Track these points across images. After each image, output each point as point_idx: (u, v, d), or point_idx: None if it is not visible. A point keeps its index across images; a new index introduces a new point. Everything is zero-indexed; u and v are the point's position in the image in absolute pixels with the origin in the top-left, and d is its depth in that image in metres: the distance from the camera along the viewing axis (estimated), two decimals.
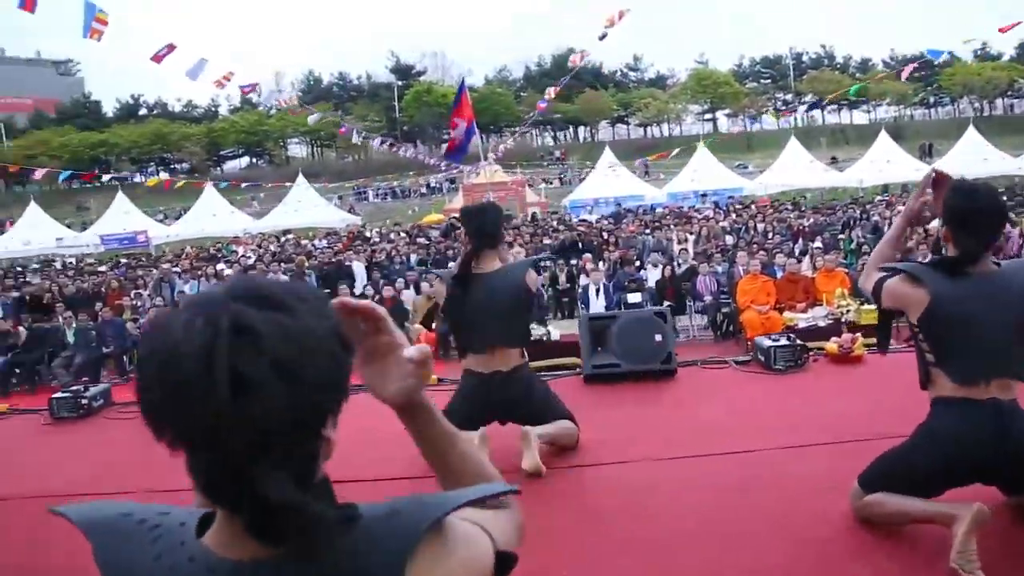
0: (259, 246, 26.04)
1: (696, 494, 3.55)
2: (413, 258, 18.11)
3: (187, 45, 18.88)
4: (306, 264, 17.61)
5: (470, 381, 4.17)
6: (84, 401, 6.19)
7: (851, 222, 19.09)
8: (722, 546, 3.06)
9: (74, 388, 6.66)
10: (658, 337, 5.48)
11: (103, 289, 17.03)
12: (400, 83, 75.58)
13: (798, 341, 5.53)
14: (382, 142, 50.73)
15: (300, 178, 43.41)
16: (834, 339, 5.83)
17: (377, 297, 13.48)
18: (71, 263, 30.96)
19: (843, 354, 5.58)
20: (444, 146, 39.23)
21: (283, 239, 29.00)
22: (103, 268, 23.25)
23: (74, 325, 14.38)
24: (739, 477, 3.66)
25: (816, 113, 69.55)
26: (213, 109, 76.47)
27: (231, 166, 77.22)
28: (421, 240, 22.00)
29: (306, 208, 40.12)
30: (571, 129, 78.03)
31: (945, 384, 2.93)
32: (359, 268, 17.10)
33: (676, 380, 5.46)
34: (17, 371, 13.88)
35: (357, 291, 15.63)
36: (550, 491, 3.75)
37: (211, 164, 73.43)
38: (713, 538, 3.13)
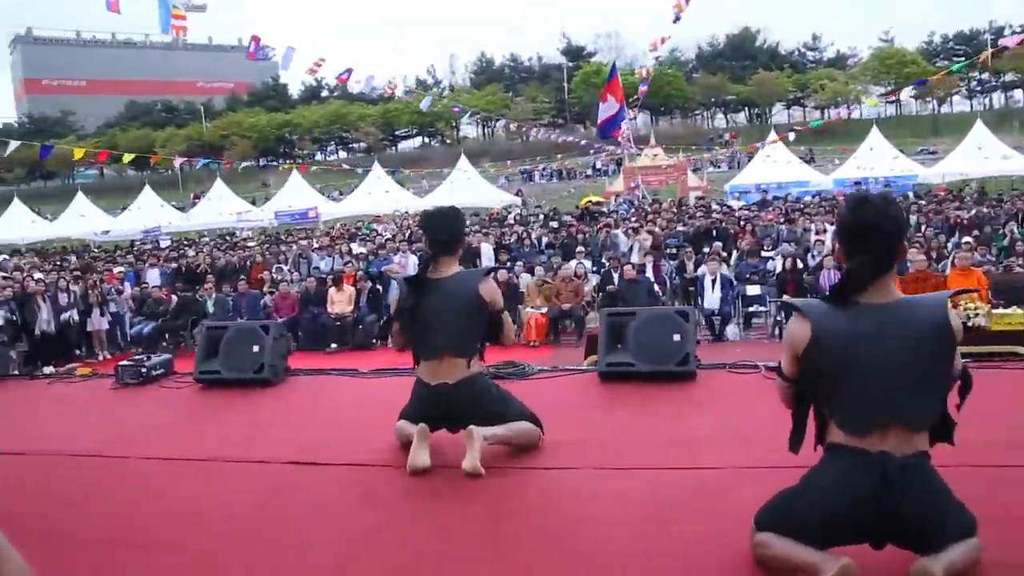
0: (398, 225, 26.76)
1: (629, 509, 3.31)
2: (543, 241, 18.08)
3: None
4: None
5: (418, 391, 4.06)
6: (144, 369, 6.58)
7: (1019, 216, 17.36)
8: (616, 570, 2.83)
9: (138, 357, 7.09)
10: (676, 337, 5.15)
11: (248, 263, 18.06)
12: (570, 64, 75.56)
13: None
14: (547, 124, 50.97)
15: (463, 159, 44.33)
16: None
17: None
18: (233, 237, 33.04)
19: None
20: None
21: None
22: (252, 244, 24.57)
23: (214, 295, 15.38)
24: (681, 497, 3.39)
25: (1018, 94, 63.96)
26: (390, 91, 79.30)
27: (405, 146, 79.96)
28: (554, 224, 21.90)
29: (466, 188, 40.88)
30: (745, 111, 75.47)
31: (836, 431, 2.53)
32: (487, 249, 17.23)
33: (695, 384, 5.13)
34: (166, 335, 15.07)
35: None
36: (481, 491, 3.62)
37: (386, 144, 76.33)
38: (613, 558, 2.90)
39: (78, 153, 29.84)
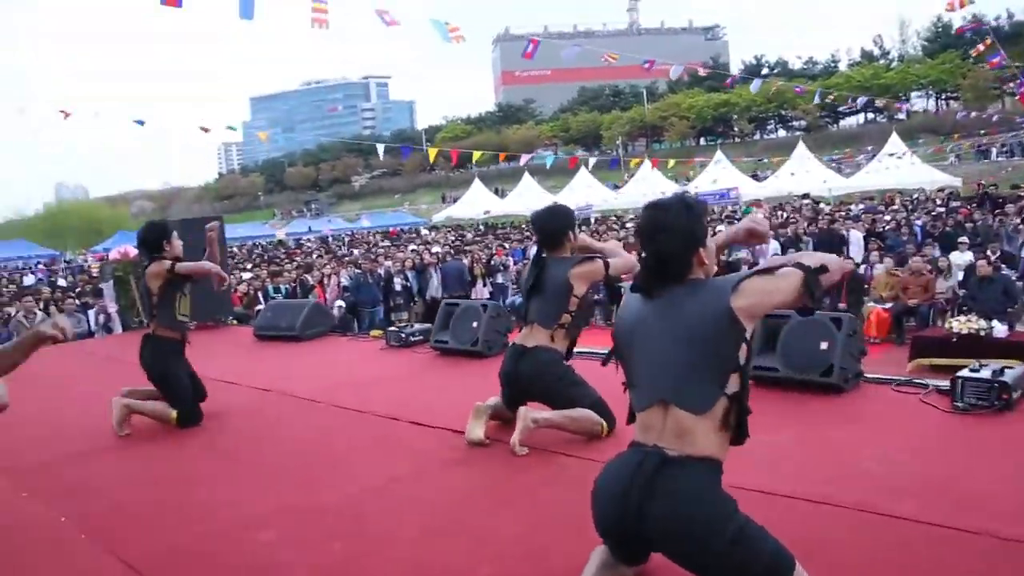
0: (775, 208, 25.59)
1: None
2: (917, 227, 16.29)
3: None
4: (802, 229, 17.09)
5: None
6: (403, 336, 7.66)
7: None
8: None
9: (403, 324, 8.23)
10: (823, 345, 4.68)
11: (623, 241, 18.84)
12: None
13: (1002, 376, 4.17)
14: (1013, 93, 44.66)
15: (894, 138, 40.79)
16: None
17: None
18: None
19: None
20: None
21: (805, 203, 27.63)
22: (630, 224, 25.04)
23: None
24: None
25: None
26: (833, 65, 75.38)
27: (848, 122, 75.40)
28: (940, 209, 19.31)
29: (894, 169, 37.56)
30: None
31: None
32: (856, 236, 16.05)
33: (838, 399, 4.63)
34: None
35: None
36: (510, 466, 3.88)
37: (827, 121, 72.74)
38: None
39: (432, 153, 33.32)
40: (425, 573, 2.85)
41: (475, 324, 6.84)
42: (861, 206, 23.84)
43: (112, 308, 12.46)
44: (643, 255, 2.43)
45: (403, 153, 53.19)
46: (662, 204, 2.46)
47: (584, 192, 45.50)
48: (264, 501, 3.72)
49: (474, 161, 69.09)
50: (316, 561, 3.01)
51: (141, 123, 21.36)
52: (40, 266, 34.73)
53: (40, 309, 13.40)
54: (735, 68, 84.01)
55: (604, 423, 4.18)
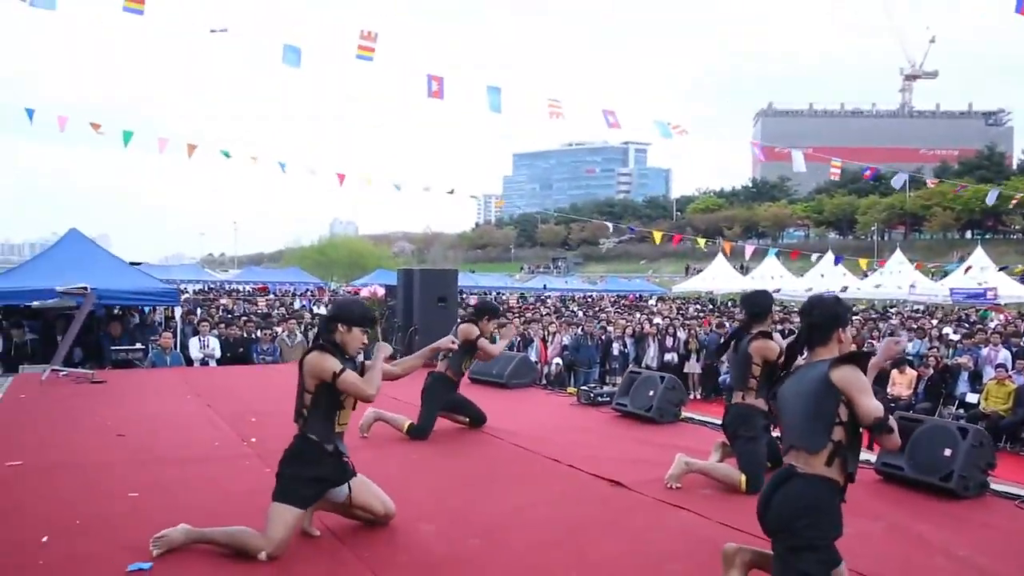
0: (1019, 315, 23.72)
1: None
2: None
3: None
4: None
5: None
6: (592, 395, 8.60)
7: None
8: None
9: (593, 384, 9.14)
10: (947, 452, 5.03)
11: None
12: None
13: None
14: None
15: None
16: None
17: None
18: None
19: None
20: None
21: None
22: (856, 317, 24.22)
23: None
24: None
25: None
26: None
27: None
28: None
29: None
30: None
31: None
32: None
33: (951, 504, 4.96)
34: None
35: None
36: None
37: None
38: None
39: (656, 235, 33.98)
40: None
41: (651, 393, 7.62)
42: None
43: None
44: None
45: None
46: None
47: (836, 277, 44.10)
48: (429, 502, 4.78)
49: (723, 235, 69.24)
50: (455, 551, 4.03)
51: (427, 189, 23.90)
52: (307, 292, 39.12)
53: (301, 332, 15.57)
54: (1017, 157, 78.04)
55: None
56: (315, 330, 16.03)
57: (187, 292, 28.78)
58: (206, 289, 38.18)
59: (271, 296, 33.69)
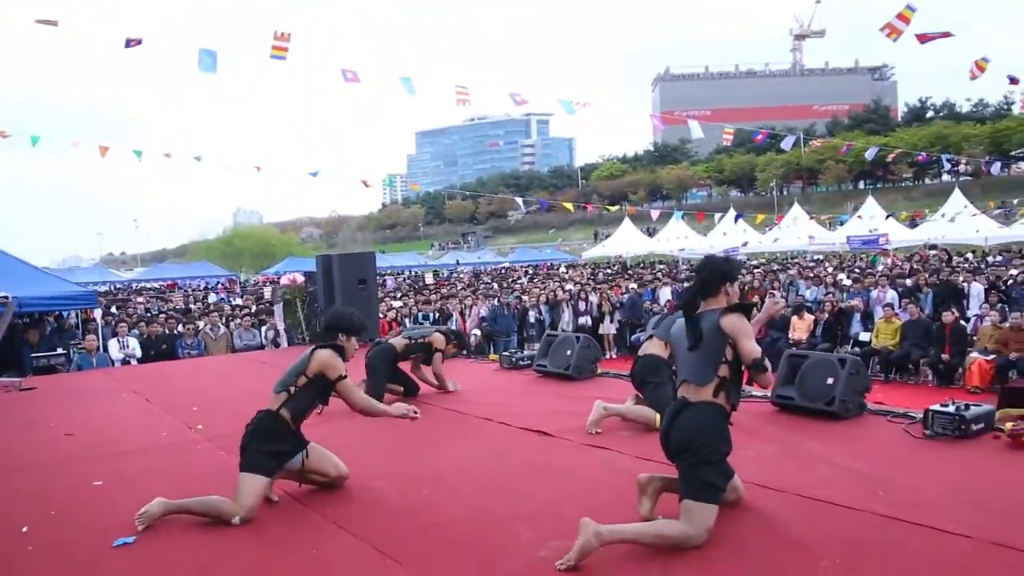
0: (908, 258, 25.41)
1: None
2: None
3: None
4: (923, 280, 17.41)
5: None
6: (514, 360, 9.18)
7: None
8: None
9: (514, 351, 9.71)
10: (830, 380, 5.79)
11: (745, 287, 19.69)
12: None
13: (965, 412, 5.17)
14: None
15: None
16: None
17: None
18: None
19: (1014, 436, 5.00)
20: None
21: (932, 253, 27.15)
22: (758, 270, 25.55)
23: None
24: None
25: None
26: (1005, 108, 72.17)
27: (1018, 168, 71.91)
28: None
29: None
30: None
31: None
32: (977, 289, 16.33)
33: (835, 424, 5.74)
34: None
35: (971, 312, 15.22)
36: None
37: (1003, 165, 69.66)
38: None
39: (568, 205, 35.25)
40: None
41: (569, 352, 8.23)
42: (994, 258, 23.58)
43: (281, 326, 14.62)
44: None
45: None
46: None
47: (737, 234, 45.57)
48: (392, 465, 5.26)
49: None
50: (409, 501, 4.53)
51: (314, 174, 24.07)
52: (220, 285, 38.85)
53: (223, 324, 15.72)
54: (900, 110, 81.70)
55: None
56: (237, 321, 16.33)
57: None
58: (113, 290, 37.39)
59: (183, 291, 33.27)
